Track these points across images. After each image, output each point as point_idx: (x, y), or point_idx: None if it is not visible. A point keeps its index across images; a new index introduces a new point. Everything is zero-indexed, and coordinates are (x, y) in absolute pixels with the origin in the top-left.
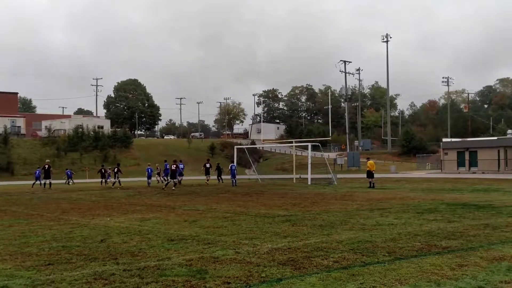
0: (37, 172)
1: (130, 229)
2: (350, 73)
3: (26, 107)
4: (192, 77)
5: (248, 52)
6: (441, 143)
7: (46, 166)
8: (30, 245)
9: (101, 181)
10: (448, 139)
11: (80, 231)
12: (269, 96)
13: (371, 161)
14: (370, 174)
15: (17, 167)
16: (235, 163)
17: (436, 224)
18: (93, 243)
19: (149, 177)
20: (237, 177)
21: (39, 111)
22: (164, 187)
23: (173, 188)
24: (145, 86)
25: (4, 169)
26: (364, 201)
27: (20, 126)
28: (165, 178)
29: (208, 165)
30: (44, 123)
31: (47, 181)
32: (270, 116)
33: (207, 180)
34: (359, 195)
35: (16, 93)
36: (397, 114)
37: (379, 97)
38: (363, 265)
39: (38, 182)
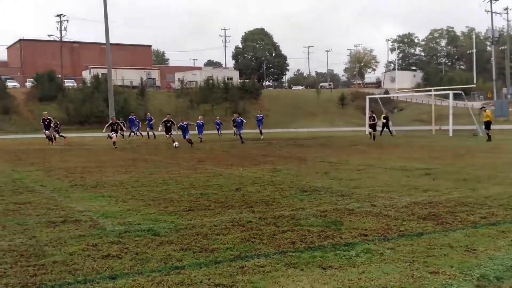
0: (148, 118)
1: (262, 179)
2: (497, 13)
3: (159, 59)
4: (319, 23)
5: None
6: None
7: (46, 119)
8: (171, 191)
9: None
10: None
11: (216, 179)
12: (404, 41)
13: (488, 111)
14: (488, 125)
15: (154, 118)
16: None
17: None
18: (229, 191)
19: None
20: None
21: (171, 63)
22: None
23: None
24: (272, 36)
25: (142, 119)
26: None
27: (155, 78)
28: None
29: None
30: (177, 75)
31: (47, 133)
32: (405, 63)
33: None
34: (509, 148)
35: (150, 46)
36: None
37: None
38: None
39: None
